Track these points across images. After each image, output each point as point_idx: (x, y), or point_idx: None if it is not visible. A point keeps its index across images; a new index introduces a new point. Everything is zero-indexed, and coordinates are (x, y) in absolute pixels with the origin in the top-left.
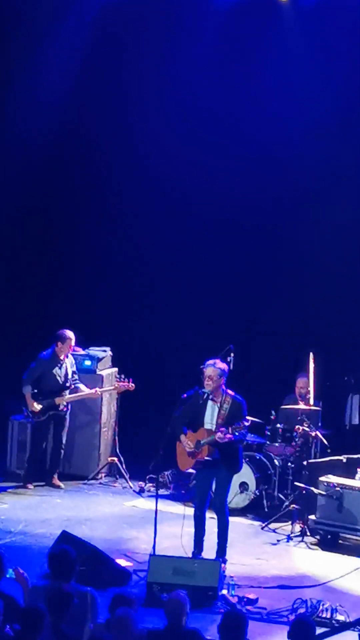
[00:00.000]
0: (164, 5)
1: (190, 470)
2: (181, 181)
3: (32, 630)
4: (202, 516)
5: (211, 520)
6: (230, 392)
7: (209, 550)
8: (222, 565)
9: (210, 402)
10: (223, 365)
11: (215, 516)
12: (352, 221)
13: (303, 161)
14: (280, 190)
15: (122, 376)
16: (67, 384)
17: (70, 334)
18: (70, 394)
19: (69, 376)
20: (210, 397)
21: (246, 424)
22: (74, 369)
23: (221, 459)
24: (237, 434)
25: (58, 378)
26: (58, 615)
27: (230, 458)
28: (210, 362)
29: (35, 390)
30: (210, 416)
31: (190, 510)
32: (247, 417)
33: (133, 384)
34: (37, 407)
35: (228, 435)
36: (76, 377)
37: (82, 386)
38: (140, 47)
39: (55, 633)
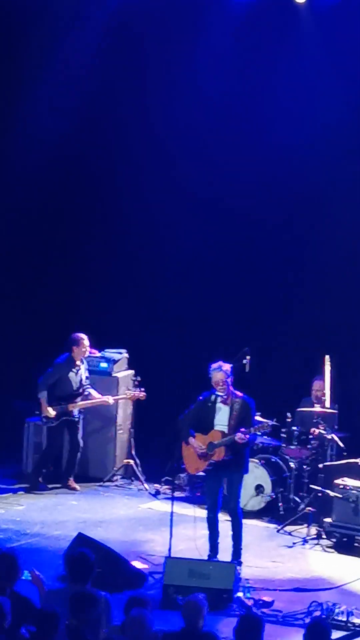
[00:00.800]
0: (181, 5)
1: (200, 473)
2: (199, 183)
3: (47, 633)
4: (214, 518)
5: (226, 523)
6: (238, 393)
7: (224, 553)
8: (238, 567)
9: (220, 404)
10: (227, 367)
11: (229, 518)
12: None
13: (320, 162)
14: (298, 193)
15: (138, 378)
16: (80, 390)
17: (83, 336)
18: (82, 399)
19: (83, 382)
20: (220, 399)
21: (270, 424)
22: (87, 374)
23: (232, 460)
24: (259, 433)
25: (73, 384)
26: (80, 617)
27: (241, 459)
28: (215, 365)
29: (50, 395)
30: (222, 418)
31: (200, 512)
32: (265, 420)
33: (144, 393)
34: (52, 412)
35: (247, 436)
36: (88, 382)
37: (93, 392)
38: (157, 47)
39: (74, 637)
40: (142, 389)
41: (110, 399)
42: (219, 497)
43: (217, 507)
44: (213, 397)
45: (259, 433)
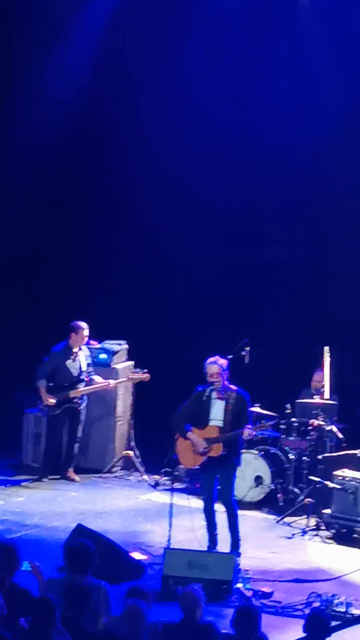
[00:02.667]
0: (178, 3)
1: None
2: (195, 176)
3: (44, 621)
4: (211, 510)
5: (223, 514)
6: (232, 386)
7: (224, 544)
8: (237, 559)
9: (215, 399)
10: (223, 361)
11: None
12: None
13: (319, 159)
14: (297, 185)
15: (138, 369)
16: (82, 377)
17: (83, 324)
18: (87, 386)
19: (84, 369)
20: (215, 393)
21: (271, 423)
22: (89, 361)
23: (227, 454)
24: (258, 432)
25: (72, 370)
26: (75, 610)
27: (236, 452)
28: (211, 359)
29: (51, 384)
30: (217, 412)
31: (198, 504)
32: (267, 412)
33: (148, 375)
34: (52, 400)
35: (254, 432)
36: (91, 369)
37: (97, 378)
38: (153, 43)
39: (71, 627)
40: (145, 370)
41: (111, 382)
42: (215, 489)
43: (213, 499)
44: (208, 391)
45: (257, 432)
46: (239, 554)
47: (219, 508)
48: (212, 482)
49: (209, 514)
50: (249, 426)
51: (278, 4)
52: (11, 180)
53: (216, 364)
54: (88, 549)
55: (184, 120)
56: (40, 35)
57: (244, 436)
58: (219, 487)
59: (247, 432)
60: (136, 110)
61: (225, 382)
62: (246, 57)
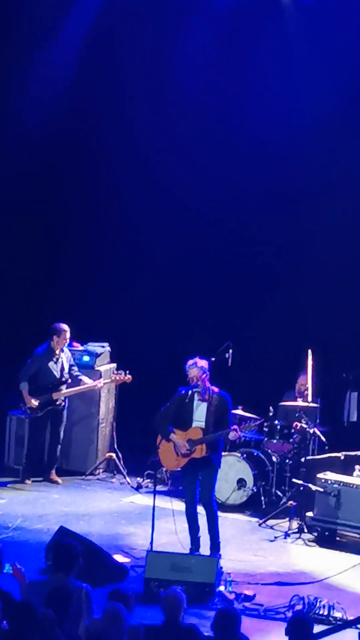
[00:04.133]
0: (164, 3)
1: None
2: (180, 178)
3: (24, 625)
4: (194, 513)
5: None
6: (214, 388)
7: (206, 547)
8: (219, 558)
9: (197, 401)
10: (203, 363)
11: (220, 513)
12: (352, 219)
13: (304, 159)
14: (280, 188)
15: (120, 371)
16: (64, 379)
17: (65, 326)
18: (70, 387)
19: (65, 370)
20: (197, 395)
21: (257, 423)
22: (72, 362)
23: (210, 456)
24: (245, 432)
25: (55, 372)
26: (57, 612)
27: (217, 454)
28: (191, 362)
29: (32, 386)
30: (200, 414)
31: (181, 506)
32: (250, 415)
33: (130, 376)
34: (35, 403)
35: (240, 433)
36: (75, 369)
37: (84, 378)
38: (140, 44)
39: (49, 629)
40: (128, 372)
41: (100, 383)
42: (197, 492)
43: (196, 501)
44: (191, 393)
45: (245, 431)
46: (219, 556)
47: (201, 510)
48: (194, 484)
49: (192, 517)
50: (235, 427)
51: (264, 3)
52: None
53: (196, 367)
54: (74, 548)
55: (171, 120)
56: (27, 34)
57: (230, 437)
58: (199, 489)
59: (233, 432)
60: (124, 112)
61: (207, 384)
62: (234, 58)
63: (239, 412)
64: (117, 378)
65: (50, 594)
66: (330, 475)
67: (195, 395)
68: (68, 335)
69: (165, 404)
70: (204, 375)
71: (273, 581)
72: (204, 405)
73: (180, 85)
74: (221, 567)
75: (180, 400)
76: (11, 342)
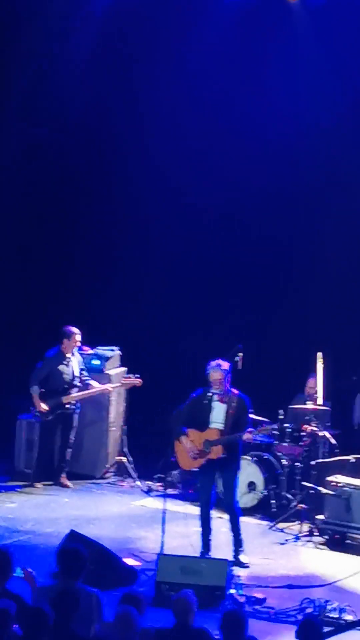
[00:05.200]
0: (173, 4)
1: (194, 469)
2: (188, 181)
3: (37, 631)
4: (208, 514)
5: (218, 520)
6: (234, 390)
7: (217, 549)
8: (242, 554)
9: (216, 402)
10: (226, 365)
11: (222, 516)
12: None
13: (313, 160)
14: (288, 191)
15: (130, 375)
16: (75, 382)
17: (75, 329)
18: (80, 391)
19: (76, 374)
20: (216, 396)
21: (273, 426)
22: (82, 366)
23: (228, 457)
24: (261, 435)
25: (65, 376)
26: (65, 616)
27: (235, 456)
28: (213, 364)
29: (43, 390)
30: (218, 416)
31: (191, 509)
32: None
33: (140, 380)
34: (45, 407)
35: (254, 436)
36: (86, 374)
37: (93, 382)
38: (149, 46)
39: (63, 634)
40: (138, 375)
41: (110, 387)
42: (213, 493)
43: (211, 503)
44: (209, 394)
45: (261, 435)
46: (242, 552)
47: (214, 513)
48: (210, 486)
49: (205, 519)
50: (250, 429)
51: (272, 5)
52: (3, 185)
53: (220, 370)
54: (82, 554)
55: (181, 123)
56: (37, 34)
57: (244, 439)
58: (219, 491)
59: (247, 435)
60: (132, 113)
61: (227, 386)
62: (241, 60)
63: (251, 415)
64: (127, 382)
65: (55, 598)
66: (340, 479)
67: (214, 397)
68: (78, 338)
69: (184, 403)
70: (226, 378)
71: (284, 584)
72: (223, 406)
73: (188, 86)
74: (232, 570)
75: (198, 400)
76: (21, 346)
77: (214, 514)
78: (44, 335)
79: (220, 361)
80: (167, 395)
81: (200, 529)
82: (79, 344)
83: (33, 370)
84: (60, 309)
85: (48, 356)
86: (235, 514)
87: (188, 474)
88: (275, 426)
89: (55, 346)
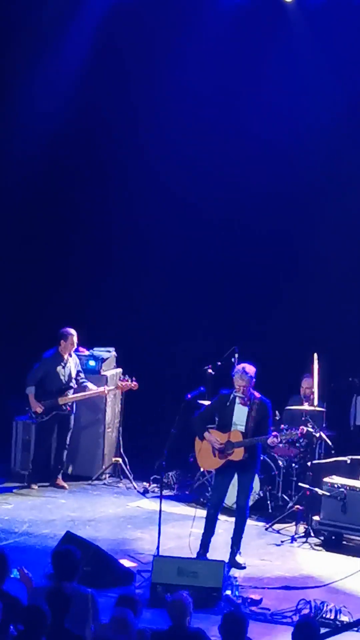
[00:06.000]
0: (168, 7)
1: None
2: (185, 182)
3: (35, 630)
4: (215, 516)
5: (218, 522)
6: (256, 393)
7: (214, 551)
8: (239, 556)
9: (238, 405)
10: (252, 370)
11: (220, 517)
12: (358, 222)
13: (308, 162)
14: (285, 192)
15: (126, 376)
16: (71, 384)
17: (72, 331)
18: (76, 393)
19: (73, 375)
20: (238, 399)
21: (297, 432)
22: (79, 368)
23: (248, 460)
24: (284, 439)
25: (62, 377)
26: (58, 615)
27: (255, 458)
28: (239, 368)
29: (39, 390)
30: (240, 418)
31: (187, 510)
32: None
33: (136, 383)
34: (40, 407)
35: (278, 440)
36: (82, 376)
37: (90, 384)
38: (145, 48)
39: (58, 633)
40: (134, 379)
41: (106, 389)
42: (224, 496)
43: (221, 505)
44: (232, 396)
45: (284, 439)
46: (239, 553)
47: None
48: (225, 488)
49: (211, 519)
50: (275, 433)
51: (268, 6)
52: (1, 187)
53: (246, 376)
54: (74, 555)
55: (178, 126)
56: (33, 39)
57: (269, 442)
58: (231, 490)
59: (273, 439)
60: (129, 116)
61: (250, 389)
62: (238, 61)
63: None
64: (124, 385)
65: (47, 598)
66: (336, 480)
67: (237, 400)
68: (75, 340)
69: (206, 406)
70: (251, 383)
71: (280, 585)
72: (245, 409)
73: (186, 87)
74: (228, 572)
75: (221, 402)
76: (17, 347)
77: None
78: (40, 336)
79: (246, 365)
80: (163, 397)
81: (200, 530)
82: (75, 345)
83: (29, 371)
84: (57, 310)
85: (45, 357)
86: (244, 516)
87: (185, 475)
88: (298, 432)
89: (53, 347)
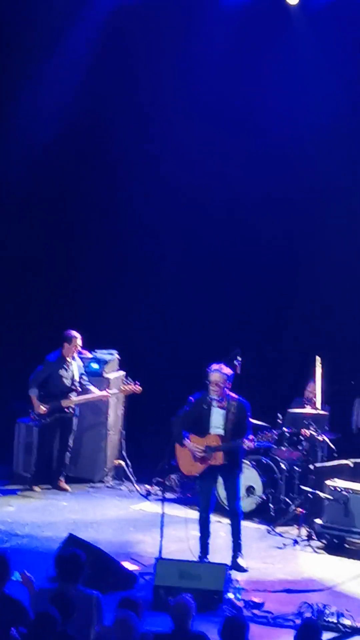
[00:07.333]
0: (172, 8)
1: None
2: (189, 184)
3: (44, 636)
4: (207, 519)
5: (216, 524)
6: (233, 395)
7: (215, 554)
8: (240, 558)
9: (215, 407)
10: (228, 370)
11: (221, 520)
12: None
13: (312, 163)
14: (288, 193)
15: (129, 379)
16: (74, 387)
17: (76, 334)
18: (79, 396)
19: (76, 378)
20: (215, 402)
21: (275, 433)
22: (82, 371)
23: (229, 463)
24: (260, 442)
25: (64, 380)
26: (62, 619)
27: (237, 461)
28: (216, 367)
29: (42, 393)
30: (218, 421)
31: (191, 514)
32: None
33: (140, 387)
34: (43, 409)
35: (254, 443)
36: (86, 378)
37: (92, 388)
38: (149, 48)
39: (62, 637)
40: (137, 382)
41: (109, 393)
42: (212, 498)
43: (210, 507)
44: (208, 398)
45: (262, 441)
46: (240, 555)
47: (212, 518)
48: (210, 492)
49: (204, 523)
50: (251, 437)
51: (271, 8)
52: (3, 189)
53: (220, 373)
54: (79, 558)
55: (182, 126)
56: (37, 39)
57: (244, 446)
58: (221, 494)
59: (248, 442)
60: (133, 116)
61: (226, 391)
62: (240, 60)
63: (254, 421)
64: (127, 388)
65: (51, 601)
66: (339, 483)
67: (214, 402)
68: (79, 343)
69: (183, 408)
70: (225, 384)
71: (282, 588)
72: (222, 411)
73: (189, 89)
74: (230, 574)
75: (197, 405)
76: (20, 349)
77: (213, 518)
78: (43, 339)
79: (222, 365)
80: (166, 400)
81: (198, 533)
82: (79, 348)
83: (33, 373)
84: (60, 312)
85: (48, 359)
86: (237, 517)
87: (187, 477)
88: (276, 433)
89: (56, 350)
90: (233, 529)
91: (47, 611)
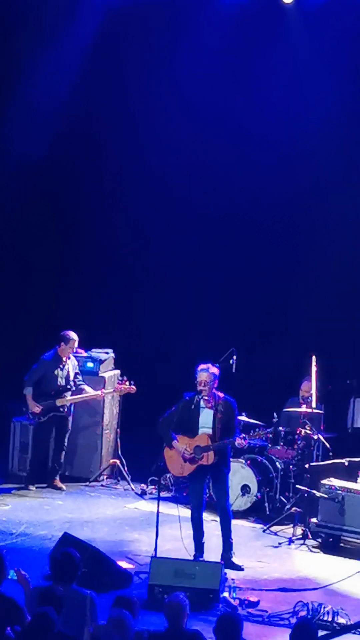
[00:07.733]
0: (167, 8)
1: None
2: (186, 184)
3: (40, 636)
4: (199, 518)
5: (211, 523)
6: (219, 394)
7: (210, 552)
8: (233, 557)
9: (203, 408)
10: (215, 370)
11: (215, 518)
12: (357, 224)
13: (309, 162)
14: (285, 193)
15: (125, 378)
16: (69, 386)
17: (73, 335)
18: (73, 395)
19: (71, 378)
20: (203, 402)
21: (267, 431)
22: (77, 370)
23: (219, 462)
24: (252, 440)
25: (59, 379)
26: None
27: (226, 459)
28: (203, 366)
29: (36, 391)
30: (206, 420)
31: (186, 512)
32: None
33: (134, 387)
34: (38, 408)
35: (246, 442)
36: (80, 378)
37: (87, 387)
38: (144, 48)
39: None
40: (132, 382)
41: (102, 392)
42: (204, 497)
43: (202, 506)
44: (196, 399)
45: (254, 439)
46: (232, 555)
47: (206, 516)
48: (201, 491)
49: (197, 522)
50: (243, 435)
51: (267, 8)
52: (2, 191)
53: (207, 372)
54: (73, 557)
55: (178, 126)
56: (31, 39)
57: (236, 444)
58: (210, 495)
59: (240, 441)
60: (129, 116)
61: (214, 390)
62: (236, 59)
63: (244, 418)
64: (122, 388)
65: (39, 599)
66: (334, 482)
67: (202, 402)
68: (76, 344)
69: (170, 408)
70: (213, 383)
71: (277, 587)
72: (210, 411)
73: (184, 90)
74: (225, 573)
75: (186, 406)
76: (16, 349)
77: (207, 516)
78: (38, 338)
79: (210, 365)
80: (161, 399)
81: (191, 532)
82: (75, 349)
83: (28, 371)
84: (56, 311)
85: (44, 358)
86: (227, 516)
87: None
88: (270, 430)
89: (52, 349)
90: (223, 527)
91: (44, 612)
